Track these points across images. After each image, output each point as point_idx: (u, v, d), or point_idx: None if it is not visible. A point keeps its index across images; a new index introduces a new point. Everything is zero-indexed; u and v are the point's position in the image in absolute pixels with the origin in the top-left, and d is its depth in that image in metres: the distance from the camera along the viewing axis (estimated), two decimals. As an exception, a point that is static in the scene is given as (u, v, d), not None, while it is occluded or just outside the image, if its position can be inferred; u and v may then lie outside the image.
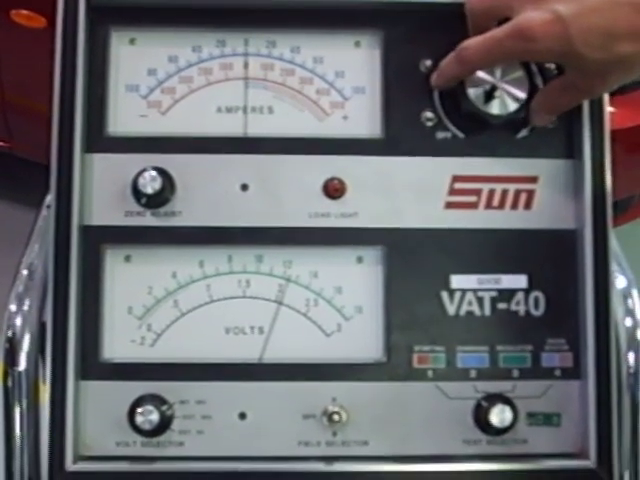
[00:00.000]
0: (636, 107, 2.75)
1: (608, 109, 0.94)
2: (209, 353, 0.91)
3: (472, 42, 0.86)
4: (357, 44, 0.94)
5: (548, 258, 0.93)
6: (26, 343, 0.93)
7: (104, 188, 0.91)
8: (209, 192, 0.91)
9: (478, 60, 0.87)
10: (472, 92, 0.90)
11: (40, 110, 2.96)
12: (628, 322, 0.94)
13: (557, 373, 0.92)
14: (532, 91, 0.91)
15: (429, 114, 0.93)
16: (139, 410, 0.88)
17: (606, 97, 0.93)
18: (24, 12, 2.92)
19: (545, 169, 0.93)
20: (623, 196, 2.90)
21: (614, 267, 0.93)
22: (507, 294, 0.92)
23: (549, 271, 0.93)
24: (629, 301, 0.96)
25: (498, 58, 0.87)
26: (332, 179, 0.92)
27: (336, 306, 0.92)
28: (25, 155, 3.36)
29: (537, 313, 0.92)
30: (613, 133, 0.94)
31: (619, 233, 0.98)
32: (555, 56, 0.84)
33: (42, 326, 0.93)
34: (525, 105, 0.91)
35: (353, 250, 0.92)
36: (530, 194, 0.93)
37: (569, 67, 0.86)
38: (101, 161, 0.91)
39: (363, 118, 0.93)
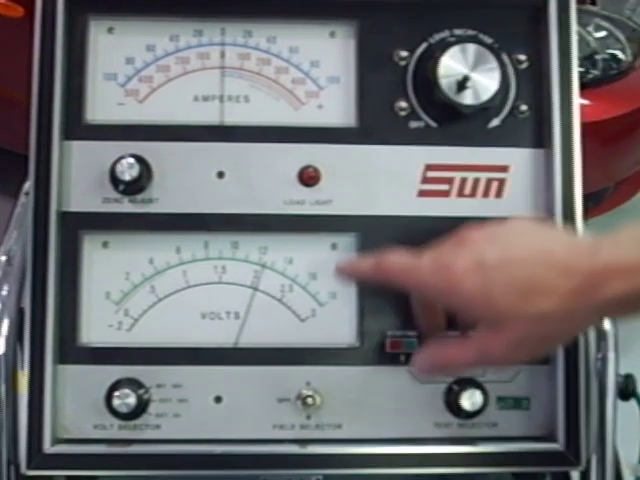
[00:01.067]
0: (610, 100, 2.77)
1: (578, 100, 0.95)
2: (185, 338, 0.92)
3: (396, 258, 0.86)
4: (332, 34, 0.96)
5: None
6: (5, 328, 0.93)
7: (82, 175, 0.92)
8: (186, 179, 0.93)
9: (394, 278, 0.86)
10: (444, 82, 0.91)
11: (18, 99, 2.95)
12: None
13: (527, 358, 0.94)
14: (503, 81, 0.92)
15: (403, 104, 0.94)
16: (116, 394, 0.90)
17: (576, 88, 0.95)
18: (2, 1, 2.91)
19: (516, 158, 0.95)
20: (598, 188, 2.93)
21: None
22: (478, 280, 0.94)
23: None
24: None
25: (413, 286, 0.86)
26: (307, 167, 0.93)
27: (311, 292, 0.93)
28: (2, 144, 3.35)
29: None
30: (587, 126, 0.96)
31: (594, 224, 1.00)
32: (472, 300, 0.79)
33: (20, 312, 0.94)
34: (496, 95, 0.92)
35: (327, 237, 0.94)
36: (501, 183, 0.95)
37: (481, 321, 0.82)
38: (79, 148, 0.92)
39: (338, 107, 0.95)
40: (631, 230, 0.76)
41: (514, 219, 0.85)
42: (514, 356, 0.82)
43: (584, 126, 0.95)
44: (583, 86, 0.95)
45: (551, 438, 0.93)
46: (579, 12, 0.96)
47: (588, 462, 0.94)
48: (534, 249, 0.79)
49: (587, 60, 2.79)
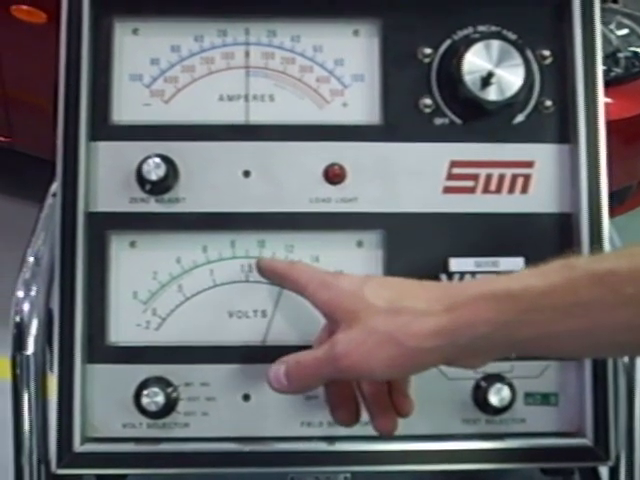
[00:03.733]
0: (633, 98, 2.77)
1: (603, 96, 0.95)
2: (213, 336, 0.93)
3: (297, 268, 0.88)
4: (356, 33, 0.96)
5: (544, 241, 0.94)
6: (34, 328, 0.94)
7: (109, 175, 0.93)
8: (212, 178, 0.93)
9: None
10: (469, 78, 0.91)
11: (41, 105, 2.98)
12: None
13: (554, 354, 0.94)
14: (527, 77, 0.92)
15: (427, 101, 0.94)
16: (145, 392, 0.90)
17: (601, 83, 0.95)
18: (24, 7, 2.94)
19: (541, 154, 0.95)
20: (620, 187, 2.92)
21: (609, 250, 0.95)
22: (505, 276, 0.94)
23: (545, 254, 0.93)
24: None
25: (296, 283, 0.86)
26: (332, 165, 0.93)
27: (337, 290, 0.93)
28: (26, 150, 3.38)
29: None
30: (610, 124, 0.96)
31: (615, 224, 1.00)
32: (343, 295, 0.80)
33: (48, 312, 0.95)
34: (521, 91, 0.92)
35: (353, 234, 0.94)
36: (526, 179, 0.95)
37: (342, 318, 0.79)
38: (106, 149, 0.93)
39: (362, 105, 0.95)
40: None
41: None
42: (356, 352, 0.76)
43: (607, 124, 0.95)
44: (605, 84, 0.95)
45: (580, 434, 0.93)
46: (601, 10, 0.96)
47: (617, 457, 0.94)
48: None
49: (609, 58, 2.78)
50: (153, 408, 0.90)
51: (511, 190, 0.94)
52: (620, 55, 2.79)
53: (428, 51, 0.95)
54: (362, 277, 0.82)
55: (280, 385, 0.81)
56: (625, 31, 2.87)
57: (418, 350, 0.74)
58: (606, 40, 2.76)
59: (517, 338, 0.72)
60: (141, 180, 0.91)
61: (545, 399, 0.94)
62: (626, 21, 2.89)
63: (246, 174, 0.93)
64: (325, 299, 0.81)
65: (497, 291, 0.72)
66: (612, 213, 0.97)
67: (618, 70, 2.77)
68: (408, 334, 0.74)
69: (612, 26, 2.85)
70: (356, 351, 0.76)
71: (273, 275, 0.90)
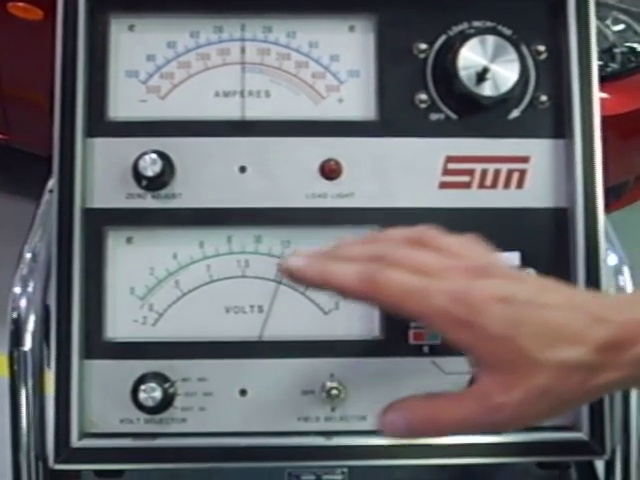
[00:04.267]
0: (629, 93, 2.77)
1: (598, 91, 0.96)
2: (210, 332, 0.93)
3: (397, 274, 0.70)
4: (351, 28, 0.96)
5: (540, 236, 0.94)
6: (31, 324, 0.94)
7: (105, 171, 0.93)
8: (208, 174, 0.93)
9: (390, 297, 0.70)
10: (464, 74, 0.91)
11: (38, 102, 2.99)
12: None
13: (550, 348, 0.94)
14: (523, 72, 0.92)
15: (423, 96, 0.94)
16: (142, 388, 0.90)
17: (596, 77, 0.95)
18: (21, 4, 2.93)
19: (536, 149, 0.95)
20: (617, 182, 2.92)
21: (605, 245, 0.95)
22: (500, 271, 0.94)
23: (541, 248, 0.94)
24: (620, 278, 0.98)
25: (417, 310, 0.69)
26: (328, 160, 0.94)
27: (334, 285, 0.94)
28: (23, 147, 3.38)
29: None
30: (607, 119, 0.96)
31: (612, 219, 1.00)
32: (492, 340, 0.66)
33: (45, 308, 0.95)
34: (516, 86, 0.92)
35: (350, 230, 0.93)
36: (522, 174, 0.95)
37: (495, 366, 0.68)
38: (102, 145, 0.93)
39: (358, 101, 0.95)
40: None
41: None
42: (528, 413, 0.67)
43: (603, 119, 0.95)
44: (602, 79, 0.95)
45: (575, 428, 0.93)
46: (597, 5, 0.96)
47: (613, 452, 0.94)
48: (566, 295, 0.69)
49: (605, 53, 2.79)
50: (150, 403, 0.90)
51: (507, 185, 0.95)
52: (616, 50, 2.79)
53: (423, 46, 0.95)
54: (505, 305, 0.67)
55: (396, 434, 0.72)
56: (621, 26, 2.88)
57: (587, 402, 0.73)
58: (602, 35, 2.77)
59: None
60: (137, 176, 0.91)
61: (541, 393, 0.94)
62: (622, 17, 2.89)
63: (242, 170, 0.94)
64: (466, 343, 0.68)
65: None
66: (609, 208, 0.97)
67: (614, 65, 2.77)
68: (583, 392, 0.67)
69: (608, 21, 2.85)
70: (525, 415, 0.67)
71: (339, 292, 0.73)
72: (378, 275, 0.70)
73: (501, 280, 0.69)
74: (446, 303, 0.67)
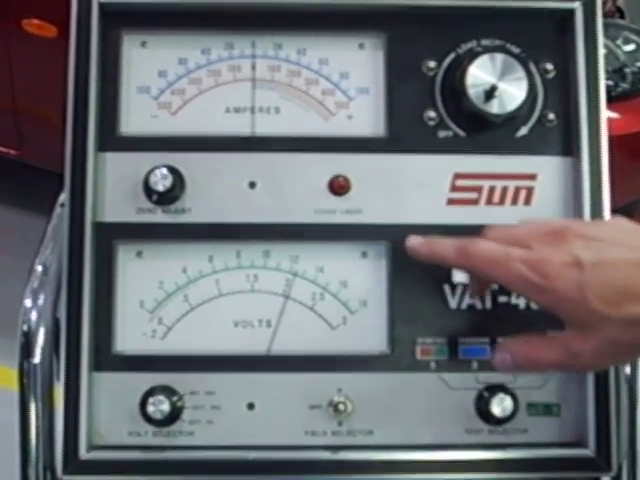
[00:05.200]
0: (639, 113, 2.77)
1: (607, 112, 0.96)
2: (218, 345, 0.93)
3: (484, 244, 0.84)
4: (361, 46, 0.97)
5: None
6: (41, 337, 0.95)
7: (116, 186, 0.94)
8: (218, 189, 0.94)
9: (481, 266, 0.84)
10: (472, 92, 0.92)
11: (51, 118, 3.00)
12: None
13: (557, 364, 0.94)
14: (531, 90, 0.93)
15: (431, 113, 0.95)
16: (150, 401, 0.91)
17: (603, 96, 0.95)
18: (35, 21, 2.96)
19: (544, 166, 0.96)
20: (626, 202, 2.92)
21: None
22: (507, 288, 0.95)
23: (548, 266, 0.95)
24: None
25: (501, 275, 0.82)
26: (337, 176, 0.94)
27: (342, 300, 0.94)
28: (35, 163, 3.40)
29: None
30: (616, 139, 0.97)
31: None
32: (565, 301, 0.78)
33: (56, 321, 0.96)
34: (524, 104, 0.93)
35: (358, 245, 0.95)
36: (529, 191, 0.95)
37: (572, 322, 0.80)
38: (114, 160, 0.94)
39: (367, 117, 0.96)
40: None
41: (610, 220, 0.87)
42: (601, 360, 0.81)
43: (613, 139, 0.95)
44: (612, 99, 0.96)
45: (582, 444, 0.93)
46: (608, 25, 0.98)
47: (619, 468, 0.94)
48: (631, 253, 0.78)
49: (616, 73, 2.79)
50: (158, 416, 0.91)
51: (514, 202, 0.95)
52: (627, 70, 2.79)
53: (432, 64, 0.96)
54: (573, 268, 0.77)
55: (507, 370, 0.87)
56: (632, 47, 2.88)
57: None
58: (613, 55, 2.77)
59: None
60: (148, 191, 0.92)
61: (547, 410, 0.94)
62: (633, 37, 2.90)
63: (252, 185, 0.94)
64: (545, 303, 0.81)
65: None
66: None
67: (625, 85, 2.77)
68: None
69: (619, 41, 2.86)
70: (600, 361, 0.81)
71: (436, 262, 0.89)
72: (469, 246, 0.84)
73: (573, 244, 0.79)
74: (524, 270, 0.79)
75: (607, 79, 0.97)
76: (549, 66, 0.96)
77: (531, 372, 0.88)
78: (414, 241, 0.91)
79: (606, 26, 0.97)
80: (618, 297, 0.76)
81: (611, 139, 0.95)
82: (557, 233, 0.81)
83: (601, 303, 0.76)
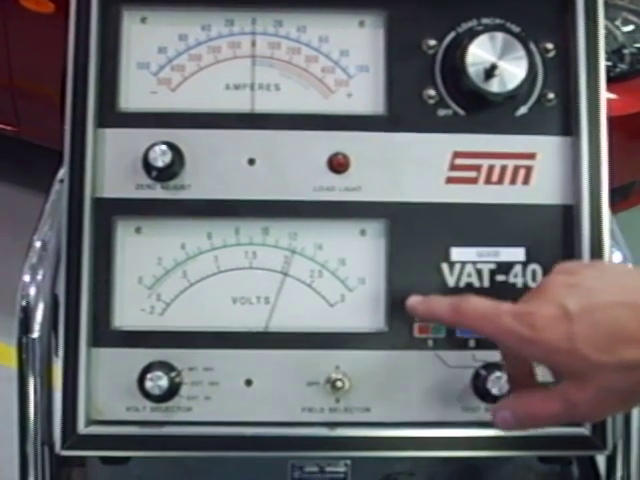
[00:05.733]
0: (638, 94, 2.77)
1: (606, 93, 0.96)
2: (216, 322, 0.94)
3: (476, 302, 0.82)
4: (361, 24, 0.97)
5: (545, 232, 0.95)
6: (39, 312, 0.95)
7: (116, 162, 0.94)
8: (217, 166, 0.94)
9: (472, 323, 0.82)
10: (472, 70, 0.92)
11: (48, 95, 3.00)
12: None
13: (553, 343, 0.95)
14: (530, 69, 0.93)
15: (431, 92, 0.95)
16: (149, 376, 0.91)
17: (603, 76, 0.95)
18: (32, -3, 2.95)
19: (543, 146, 0.96)
20: (624, 183, 2.92)
21: (610, 242, 0.96)
22: (505, 267, 0.95)
23: (546, 245, 0.95)
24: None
25: (491, 330, 0.80)
26: (336, 154, 0.94)
27: (340, 277, 0.94)
28: (33, 139, 3.39)
29: (534, 285, 0.94)
30: (615, 120, 0.97)
31: (618, 220, 1.01)
32: (556, 352, 0.76)
33: (54, 297, 0.96)
34: (524, 83, 0.93)
35: (356, 223, 0.95)
36: (528, 170, 0.95)
37: (565, 372, 0.78)
38: (113, 136, 0.94)
39: (367, 95, 0.96)
40: None
41: (596, 263, 0.86)
42: (601, 409, 0.78)
43: (611, 120, 0.95)
44: (610, 80, 0.96)
45: (578, 423, 0.94)
46: (607, 6, 0.97)
47: (614, 447, 0.95)
48: (618, 295, 0.76)
49: (615, 54, 2.79)
50: (157, 392, 0.91)
51: (513, 181, 0.95)
52: (625, 51, 2.79)
53: (432, 43, 0.96)
54: (562, 320, 0.76)
55: (508, 428, 0.83)
56: (631, 27, 2.88)
57: None
58: (611, 36, 2.77)
59: None
60: (147, 167, 0.92)
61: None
62: (632, 17, 2.90)
63: (251, 162, 0.94)
64: (536, 356, 0.80)
65: None
66: (615, 209, 0.98)
67: (623, 66, 2.77)
68: None
69: (618, 22, 2.85)
70: (600, 410, 0.78)
71: (434, 320, 0.92)
72: (462, 304, 0.83)
73: (559, 293, 0.77)
74: (513, 324, 0.77)
75: (606, 60, 0.96)
76: (549, 45, 0.96)
77: (533, 427, 0.83)
78: (413, 300, 0.90)
79: (605, 7, 0.97)
80: (609, 342, 0.74)
81: (609, 120, 0.95)
82: (542, 285, 0.81)
83: (593, 351, 0.74)
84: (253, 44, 0.96)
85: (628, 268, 0.84)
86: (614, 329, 0.74)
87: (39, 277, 0.96)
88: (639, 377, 0.74)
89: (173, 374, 0.92)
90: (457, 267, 0.94)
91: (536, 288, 0.82)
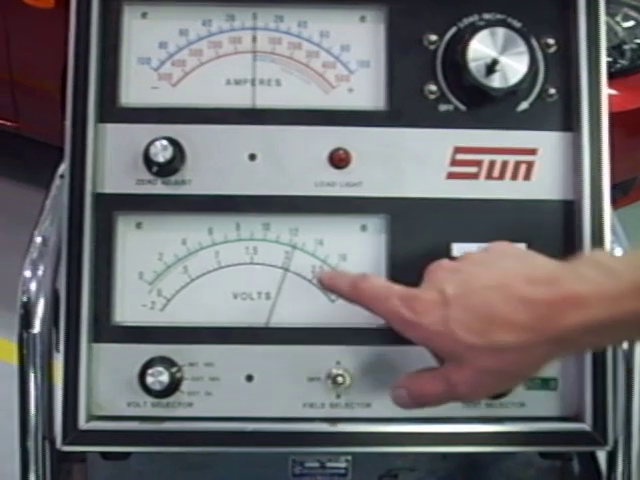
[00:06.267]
0: (638, 90, 2.77)
1: (606, 85, 0.96)
2: (217, 317, 0.94)
3: (372, 281, 0.86)
4: (362, 19, 0.97)
5: (546, 228, 0.95)
6: (40, 308, 0.95)
7: (116, 157, 0.94)
8: (218, 161, 0.94)
9: (365, 301, 0.86)
10: (473, 65, 0.92)
11: (48, 90, 2.99)
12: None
13: (554, 339, 0.95)
14: (532, 65, 0.93)
15: (432, 87, 0.95)
16: (149, 372, 0.91)
17: (605, 71, 0.95)
18: (32, -8, 2.94)
19: (544, 141, 0.96)
20: (624, 178, 2.92)
21: (611, 237, 0.96)
22: (507, 262, 0.95)
23: (547, 240, 0.95)
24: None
25: (381, 311, 0.84)
26: (337, 149, 0.94)
27: (341, 273, 0.94)
28: (32, 135, 3.39)
29: None
30: (615, 116, 0.97)
31: (618, 216, 1.01)
32: (434, 335, 0.79)
33: (55, 292, 0.96)
34: (525, 78, 0.93)
35: (357, 218, 0.95)
36: (529, 165, 0.95)
37: (445, 355, 0.81)
38: (114, 131, 0.94)
39: (368, 91, 0.96)
40: (591, 261, 0.77)
41: (493, 246, 0.86)
42: (480, 389, 0.81)
43: (611, 116, 0.95)
44: (611, 76, 0.96)
45: (578, 418, 0.94)
46: (607, 2, 0.97)
47: (615, 442, 0.95)
48: (493, 281, 0.79)
49: (615, 50, 2.79)
50: (157, 387, 0.91)
51: (514, 177, 0.95)
52: (626, 47, 2.79)
53: (434, 38, 0.95)
54: (440, 304, 0.79)
55: (405, 406, 0.85)
56: (631, 23, 2.88)
57: (533, 374, 0.83)
58: (612, 32, 2.77)
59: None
60: (148, 162, 0.92)
61: (545, 384, 0.95)
62: (632, 13, 2.89)
63: (252, 157, 0.94)
64: (416, 339, 0.82)
65: (603, 322, 0.73)
66: (616, 204, 0.98)
67: (623, 62, 2.77)
68: (521, 368, 0.78)
69: (618, 18, 2.85)
70: (477, 390, 0.80)
71: (337, 295, 0.92)
72: (360, 283, 0.86)
73: (440, 278, 0.81)
74: (399, 306, 0.81)
75: (606, 56, 0.96)
76: (550, 41, 0.96)
77: (425, 406, 0.84)
78: (322, 273, 0.93)
79: (606, 2, 0.97)
80: (481, 326, 0.77)
81: (610, 116, 0.95)
82: (430, 269, 0.84)
83: (466, 334, 0.77)
84: (254, 39, 0.96)
85: (522, 252, 0.85)
86: (486, 312, 0.77)
87: (40, 272, 0.96)
88: (510, 358, 0.76)
89: (174, 369, 0.92)
90: (458, 263, 0.94)
91: (426, 271, 0.84)
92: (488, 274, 0.80)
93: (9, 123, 3.38)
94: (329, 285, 0.91)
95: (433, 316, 0.79)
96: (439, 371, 0.82)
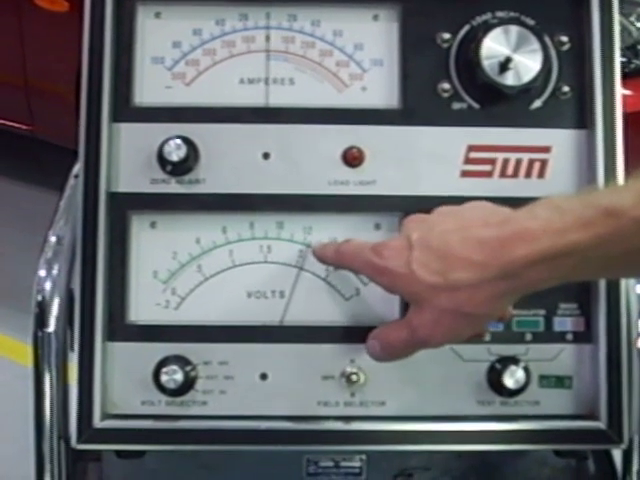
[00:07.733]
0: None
1: (620, 82, 0.96)
2: (231, 316, 0.94)
3: (352, 242, 0.90)
4: (375, 17, 0.97)
5: None
6: (55, 307, 0.95)
7: (131, 156, 0.94)
8: (232, 160, 0.94)
9: (347, 260, 0.90)
10: (487, 63, 0.92)
11: (62, 93, 3.01)
12: (639, 288, 0.96)
13: (569, 337, 0.95)
14: (545, 62, 0.93)
15: (445, 85, 0.95)
16: (164, 370, 0.91)
17: (618, 69, 0.95)
18: (47, -4, 2.95)
19: (558, 139, 0.96)
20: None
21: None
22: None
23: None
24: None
25: (357, 265, 0.88)
26: (351, 148, 0.94)
27: (355, 271, 0.94)
28: (46, 138, 3.40)
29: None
30: (629, 116, 0.96)
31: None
32: (398, 278, 0.83)
33: (70, 292, 0.96)
34: (538, 76, 0.93)
35: (371, 217, 0.95)
36: (543, 163, 0.95)
37: (408, 297, 0.85)
38: (128, 130, 0.94)
39: (381, 89, 0.96)
40: (546, 202, 0.79)
41: (465, 205, 0.87)
42: (438, 332, 0.83)
43: (626, 116, 0.95)
44: (625, 76, 0.96)
45: (593, 417, 0.94)
46: (621, 2, 0.97)
47: (630, 441, 0.94)
48: (453, 226, 0.82)
49: (629, 50, 2.78)
50: (172, 386, 0.91)
51: (528, 175, 0.95)
52: (640, 47, 2.79)
53: (447, 36, 0.95)
54: (405, 249, 0.82)
55: (379, 358, 0.89)
56: (645, 23, 2.87)
57: (487, 315, 0.83)
58: (626, 32, 2.76)
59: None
60: (162, 161, 0.93)
61: (559, 382, 0.94)
62: (646, 14, 2.89)
63: (265, 156, 0.94)
64: (385, 285, 0.85)
65: (547, 254, 0.76)
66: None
67: (638, 62, 2.76)
68: (475, 306, 0.80)
69: (632, 18, 2.85)
70: (436, 331, 0.82)
71: (326, 264, 0.94)
72: (342, 246, 0.91)
73: (408, 228, 0.85)
74: (370, 255, 0.85)
75: (620, 56, 0.96)
76: (564, 38, 0.96)
77: (395, 357, 0.88)
78: (315, 245, 0.95)
79: (620, 2, 0.97)
80: (440, 265, 0.80)
81: (623, 116, 0.95)
82: (402, 222, 0.88)
83: (426, 273, 0.80)
84: (267, 38, 0.96)
85: (490, 205, 0.85)
86: (443, 252, 0.80)
87: (54, 272, 0.96)
88: (464, 296, 0.79)
89: (188, 368, 0.92)
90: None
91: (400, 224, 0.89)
92: (451, 220, 0.83)
93: (24, 126, 3.40)
94: (319, 256, 0.94)
95: (398, 259, 0.82)
96: (403, 319, 0.86)
